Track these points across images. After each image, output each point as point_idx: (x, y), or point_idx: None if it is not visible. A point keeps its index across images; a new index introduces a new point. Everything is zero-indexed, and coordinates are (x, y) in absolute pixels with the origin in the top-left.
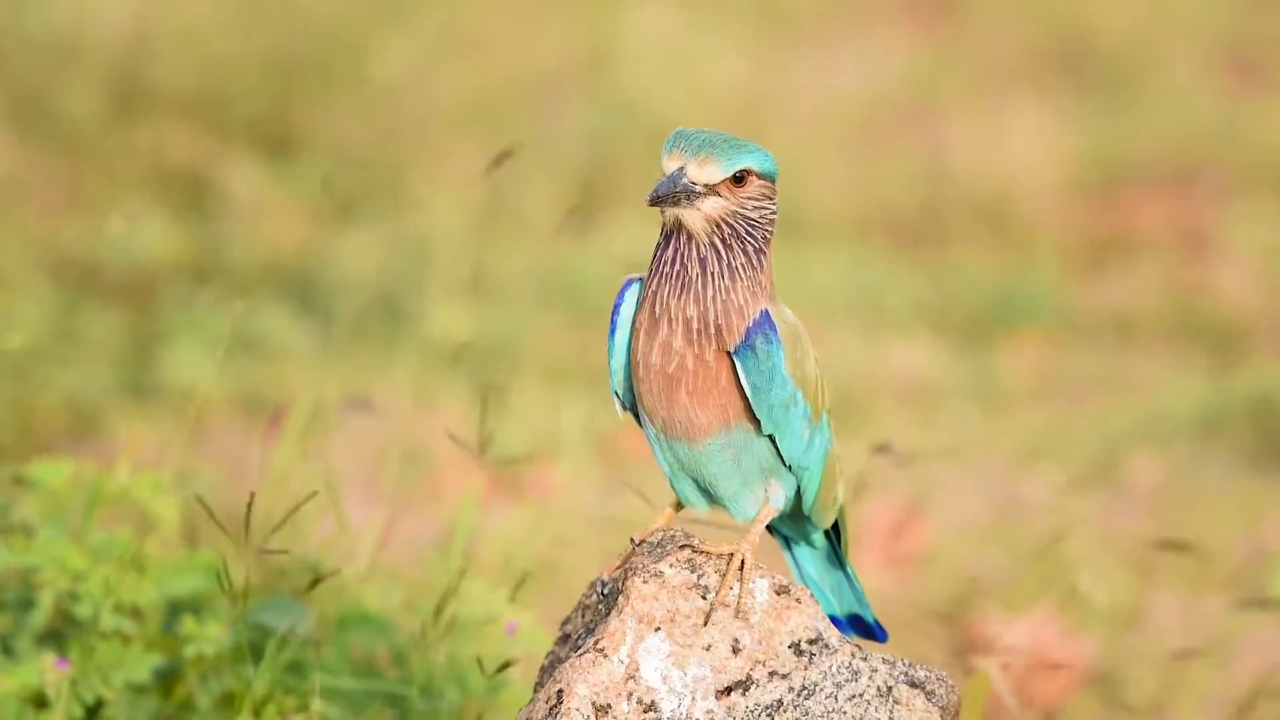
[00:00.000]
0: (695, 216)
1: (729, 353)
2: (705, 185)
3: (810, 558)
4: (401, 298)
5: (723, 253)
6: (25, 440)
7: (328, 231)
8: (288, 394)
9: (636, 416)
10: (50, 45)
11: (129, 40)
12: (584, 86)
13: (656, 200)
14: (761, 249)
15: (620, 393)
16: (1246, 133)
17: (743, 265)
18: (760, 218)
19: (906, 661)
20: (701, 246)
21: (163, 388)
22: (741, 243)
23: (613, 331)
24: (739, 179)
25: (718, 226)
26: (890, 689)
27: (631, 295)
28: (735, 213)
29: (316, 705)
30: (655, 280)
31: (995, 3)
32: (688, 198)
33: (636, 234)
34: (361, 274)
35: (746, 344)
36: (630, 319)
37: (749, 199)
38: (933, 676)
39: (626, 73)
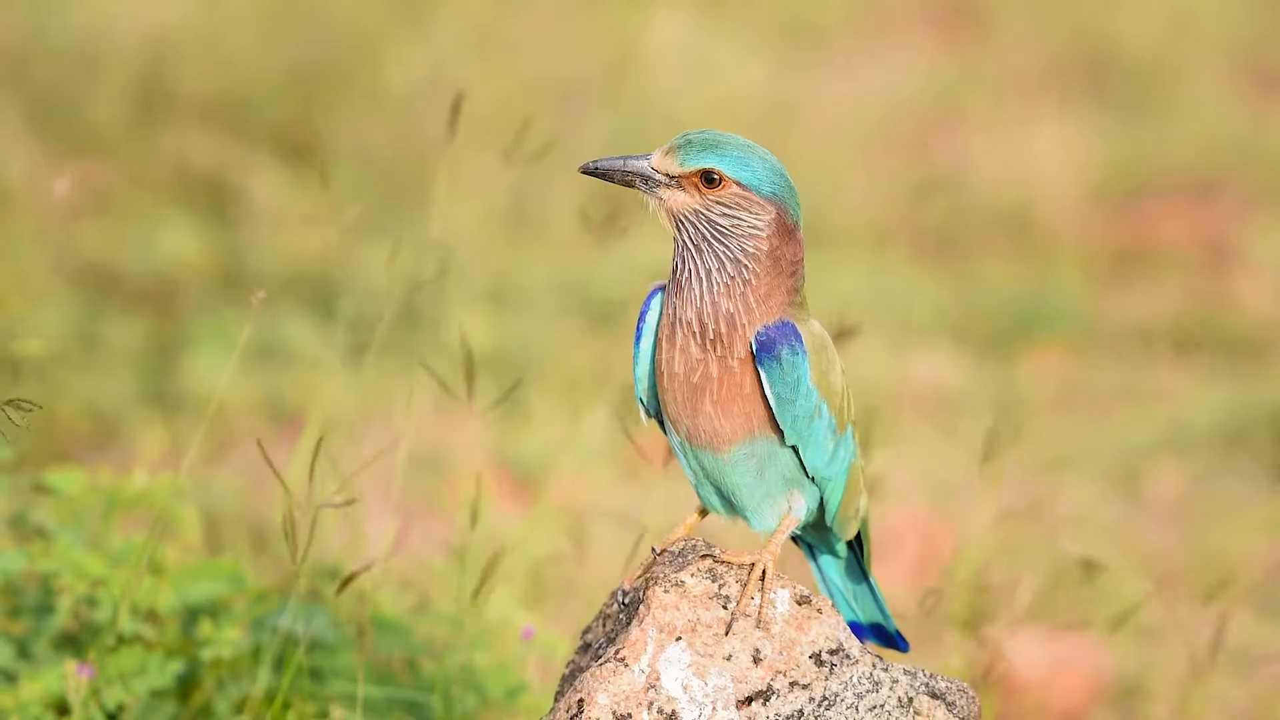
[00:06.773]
0: (655, 204)
1: (755, 362)
2: (665, 175)
3: (834, 567)
4: (422, 305)
5: (695, 256)
6: (47, 447)
7: (350, 238)
8: (309, 401)
9: (661, 424)
10: (73, 51)
11: (151, 46)
12: (606, 93)
13: (593, 170)
14: (741, 261)
15: (645, 400)
16: (1269, 144)
17: (717, 270)
18: (730, 226)
19: (928, 672)
20: (678, 243)
21: (184, 395)
22: (710, 246)
23: (638, 339)
24: (709, 180)
25: (681, 224)
26: (911, 700)
27: (657, 302)
28: (698, 212)
29: (337, 712)
30: (670, 286)
31: (1018, 13)
32: (644, 181)
33: (659, 242)
34: (382, 281)
35: (771, 354)
36: (655, 326)
37: (717, 202)
38: (954, 687)
39: (649, 80)
